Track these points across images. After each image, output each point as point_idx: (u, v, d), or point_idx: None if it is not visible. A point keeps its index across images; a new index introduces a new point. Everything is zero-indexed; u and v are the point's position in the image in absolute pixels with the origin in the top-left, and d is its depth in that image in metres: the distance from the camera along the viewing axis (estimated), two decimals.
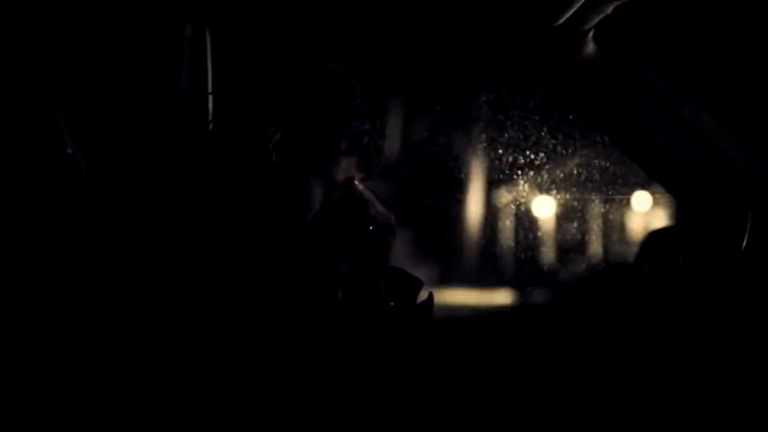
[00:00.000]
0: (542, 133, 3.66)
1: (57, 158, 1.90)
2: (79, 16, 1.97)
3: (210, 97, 2.03)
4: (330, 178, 1.61)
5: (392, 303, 1.65)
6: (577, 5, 1.82)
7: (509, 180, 3.97)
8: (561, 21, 1.87)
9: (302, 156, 1.58)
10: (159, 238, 1.51)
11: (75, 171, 1.92)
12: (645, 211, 4.43)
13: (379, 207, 1.65)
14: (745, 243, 1.92)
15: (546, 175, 3.88)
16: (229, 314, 1.51)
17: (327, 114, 1.59)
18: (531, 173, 3.81)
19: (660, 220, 4.30)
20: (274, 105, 1.58)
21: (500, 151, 3.80)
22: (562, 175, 3.92)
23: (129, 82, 1.98)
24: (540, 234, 4.34)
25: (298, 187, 1.59)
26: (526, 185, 3.90)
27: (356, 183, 1.64)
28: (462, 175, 4.38)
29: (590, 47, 1.99)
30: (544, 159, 3.75)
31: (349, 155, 1.62)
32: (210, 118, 2.02)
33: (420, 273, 1.72)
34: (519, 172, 3.80)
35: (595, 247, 4.42)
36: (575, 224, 4.30)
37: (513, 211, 4.31)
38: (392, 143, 4.28)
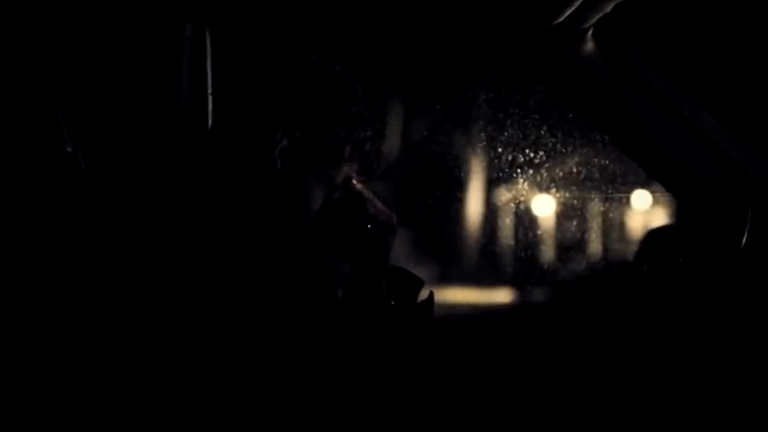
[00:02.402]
0: (542, 132, 3.66)
1: (57, 158, 1.90)
2: (79, 16, 1.97)
3: (210, 97, 2.03)
4: (331, 182, 1.61)
5: (393, 302, 1.65)
6: (577, 4, 1.82)
7: (509, 179, 3.97)
8: (560, 19, 1.87)
9: (305, 161, 1.58)
10: (159, 238, 1.51)
11: (75, 171, 1.92)
12: (644, 210, 4.43)
13: (380, 206, 1.65)
14: (744, 242, 1.92)
15: (546, 174, 3.87)
16: (230, 314, 1.51)
17: (333, 121, 1.59)
18: (531, 171, 3.80)
19: (660, 219, 4.30)
20: (279, 110, 1.58)
21: (500, 150, 3.80)
22: (562, 174, 3.92)
23: (129, 82, 1.98)
24: (539, 233, 4.34)
25: (299, 191, 1.59)
26: (526, 184, 3.90)
27: (356, 183, 1.64)
28: (462, 174, 4.38)
29: (589, 46, 1.99)
30: (544, 158, 3.74)
31: (351, 160, 1.62)
32: (210, 118, 2.02)
33: (421, 272, 1.72)
34: (519, 171, 3.80)
35: (595, 245, 4.42)
36: (574, 223, 4.30)
37: (513, 210, 4.31)
38: (392, 143, 4.28)
